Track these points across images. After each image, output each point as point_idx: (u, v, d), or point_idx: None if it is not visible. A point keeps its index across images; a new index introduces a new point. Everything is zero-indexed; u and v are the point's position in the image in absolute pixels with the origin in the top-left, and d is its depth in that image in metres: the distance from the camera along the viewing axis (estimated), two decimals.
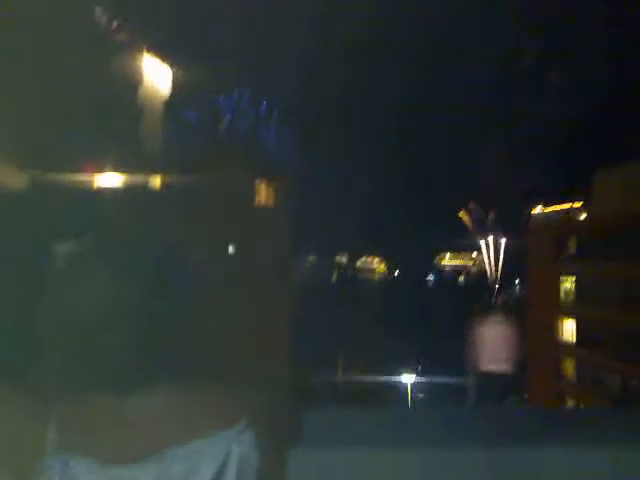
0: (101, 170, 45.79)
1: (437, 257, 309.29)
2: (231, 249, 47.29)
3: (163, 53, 53.14)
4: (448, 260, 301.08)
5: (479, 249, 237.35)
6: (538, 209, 69.42)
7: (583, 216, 54.81)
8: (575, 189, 57.00)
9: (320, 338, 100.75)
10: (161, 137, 55.32)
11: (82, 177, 46.05)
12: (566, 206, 59.71)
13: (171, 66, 53.60)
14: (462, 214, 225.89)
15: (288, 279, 55.97)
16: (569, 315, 51.94)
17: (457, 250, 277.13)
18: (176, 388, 1.84)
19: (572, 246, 52.43)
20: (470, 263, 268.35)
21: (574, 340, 51.29)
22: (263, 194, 50.93)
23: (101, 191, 47.07)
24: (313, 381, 68.91)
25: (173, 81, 54.30)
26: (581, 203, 55.38)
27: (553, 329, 53.45)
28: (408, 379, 66.37)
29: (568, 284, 52.31)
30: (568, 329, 52.32)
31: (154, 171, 45.62)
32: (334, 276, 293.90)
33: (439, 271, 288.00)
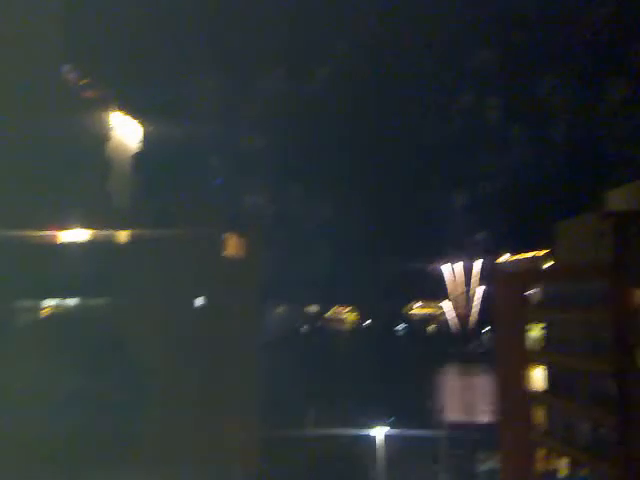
0: (71, 227, 45.70)
1: (407, 306, 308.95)
2: (201, 299, 47.16)
3: (133, 111, 53.69)
4: (418, 309, 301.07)
5: (448, 297, 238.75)
6: (504, 258, 70.65)
7: (547, 264, 55.98)
8: (539, 239, 58.36)
9: (290, 391, 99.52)
10: (132, 193, 55.52)
11: (53, 234, 45.90)
12: (531, 255, 60.94)
13: (142, 124, 54.09)
14: (432, 265, 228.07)
15: (257, 330, 55.76)
16: (537, 362, 52.43)
17: (427, 299, 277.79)
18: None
19: (538, 293, 53.28)
20: (440, 311, 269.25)
21: (543, 387, 51.63)
22: (234, 246, 51.19)
23: (67, 248, 46.84)
24: (284, 436, 67.87)
25: (146, 139, 54.71)
26: (545, 252, 56.60)
27: (521, 377, 53.83)
28: (379, 432, 65.73)
29: (535, 331, 52.98)
30: (537, 376, 52.74)
31: (126, 226, 45.66)
32: (305, 327, 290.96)
33: (409, 320, 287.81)
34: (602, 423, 42.70)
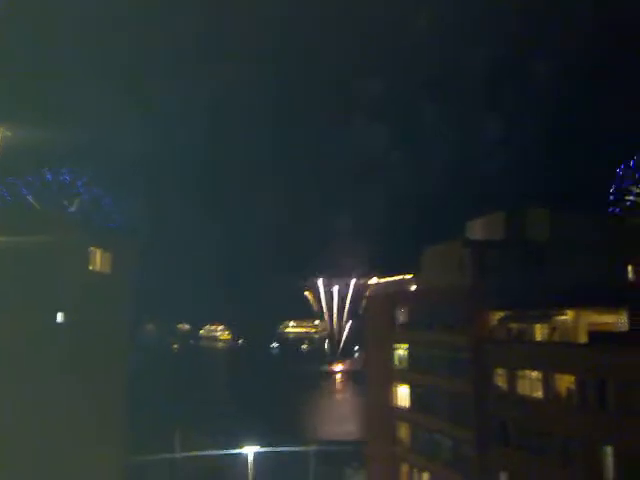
0: None
1: (281, 325, 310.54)
2: (63, 315, 44.67)
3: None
4: (291, 328, 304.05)
5: (321, 317, 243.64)
6: (374, 280, 72.97)
7: (414, 287, 58.45)
8: (408, 263, 60.69)
9: (160, 412, 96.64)
10: None
11: None
12: (399, 278, 63.35)
13: (6, 130, 50.92)
14: (307, 285, 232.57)
15: (126, 348, 53.75)
16: (402, 381, 54.47)
17: (301, 318, 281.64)
18: None
19: (404, 315, 55.49)
20: (313, 330, 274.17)
21: (408, 404, 53.63)
22: (102, 260, 49.19)
23: None
24: (152, 460, 65.76)
25: (7, 146, 51.52)
26: (413, 276, 59.01)
27: (387, 394, 55.72)
28: (250, 450, 65.50)
29: (401, 351, 55.05)
30: (402, 394, 54.72)
31: None
32: (176, 345, 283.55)
33: (283, 339, 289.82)
34: (461, 439, 45.05)
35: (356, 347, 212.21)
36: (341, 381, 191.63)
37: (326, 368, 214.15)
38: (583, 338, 37.43)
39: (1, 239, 42.70)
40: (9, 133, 52.02)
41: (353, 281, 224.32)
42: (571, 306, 38.78)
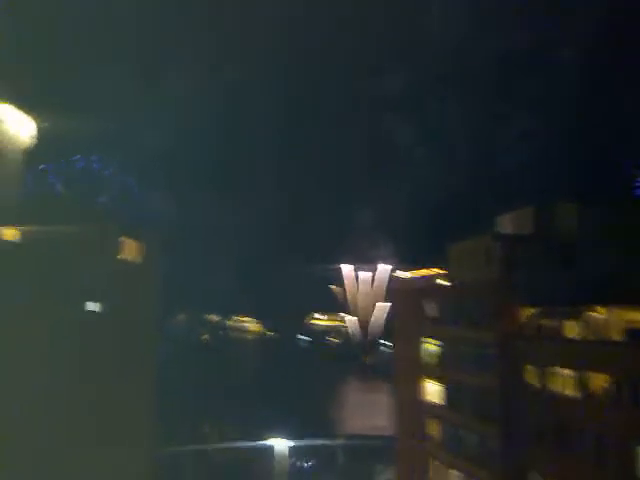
0: None
1: (308, 318, 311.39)
2: (94, 304, 45.06)
3: (23, 104, 51.14)
4: (319, 320, 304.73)
5: (349, 310, 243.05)
6: (403, 274, 72.39)
7: (443, 282, 57.76)
8: (437, 257, 59.93)
9: (190, 404, 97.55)
10: (21, 190, 52.68)
11: None
12: (429, 272, 62.70)
13: (35, 120, 51.64)
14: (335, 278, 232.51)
15: (156, 338, 54.18)
16: (432, 376, 53.93)
17: (329, 311, 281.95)
18: None
19: (433, 310, 54.86)
20: (340, 323, 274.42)
21: (437, 400, 53.09)
22: (132, 250, 49.55)
23: None
24: (182, 451, 66.48)
25: (37, 136, 52.29)
26: (442, 270, 58.32)
27: (417, 390, 55.23)
28: (280, 443, 65.88)
29: (430, 346, 54.46)
30: (431, 389, 54.18)
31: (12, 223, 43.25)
32: (206, 336, 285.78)
33: (311, 331, 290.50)
34: (491, 436, 44.45)
35: (384, 341, 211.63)
36: (368, 375, 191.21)
37: (353, 362, 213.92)
38: (616, 336, 36.57)
39: (32, 228, 43.31)
40: (45, 124, 52.80)
41: (381, 270, 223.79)
42: (602, 303, 37.92)
